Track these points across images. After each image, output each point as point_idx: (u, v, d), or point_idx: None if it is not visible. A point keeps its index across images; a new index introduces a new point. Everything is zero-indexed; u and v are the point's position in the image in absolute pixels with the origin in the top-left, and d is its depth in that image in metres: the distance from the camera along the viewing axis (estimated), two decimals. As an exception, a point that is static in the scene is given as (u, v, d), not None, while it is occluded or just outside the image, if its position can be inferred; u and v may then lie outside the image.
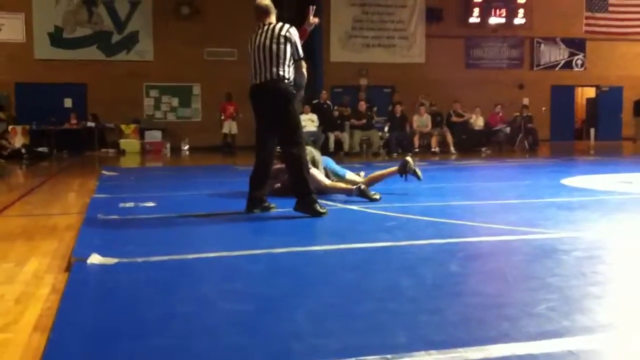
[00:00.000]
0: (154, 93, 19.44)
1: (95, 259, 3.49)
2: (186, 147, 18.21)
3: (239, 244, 4.10)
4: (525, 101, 19.12)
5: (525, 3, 21.52)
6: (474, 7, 21.28)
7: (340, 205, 5.87)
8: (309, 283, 3.18)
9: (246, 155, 15.04)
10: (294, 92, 5.39)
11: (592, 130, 22.36)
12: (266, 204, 5.56)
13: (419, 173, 6.70)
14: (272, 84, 5.32)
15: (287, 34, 5.33)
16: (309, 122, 15.17)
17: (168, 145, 18.07)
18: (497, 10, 21.47)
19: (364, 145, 16.07)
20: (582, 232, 4.37)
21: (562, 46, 22.44)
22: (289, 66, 5.34)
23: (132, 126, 18.20)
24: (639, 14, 22.67)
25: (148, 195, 6.78)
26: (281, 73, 5.30)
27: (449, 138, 15.96)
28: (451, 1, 21.17)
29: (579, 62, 22.62)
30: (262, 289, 3.02)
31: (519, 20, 21.62)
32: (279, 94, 5.31)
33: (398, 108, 16.44)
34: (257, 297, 2.85)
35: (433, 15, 20.91)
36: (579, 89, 23.35)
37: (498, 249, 3.98)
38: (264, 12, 5.51)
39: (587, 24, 22.43)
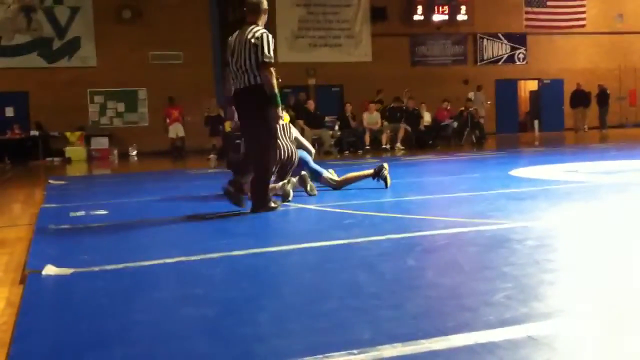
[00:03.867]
0: (98, 99, 19.07)
1: (50, 270, 3.41)
2: (134, 153, 17.93)
3: (197, 248, 4.06)
4: (470, 95, 19.50)
5: (467, 0, 21.97)
6: (417, 5, 21.60)
7: (297, 205, 5.88)
8: (270, 284, 3.18)
9: (196, 159, 14.93)
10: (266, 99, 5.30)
11: (536, 122, 23.01)
12: (241, 196, 5.49)
13: (389, 182, 6.81)
14: (242, 93, 5.36)
15: (254, 40, 5.27)
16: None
17: (115, 152, 17.75)
18: (440, 8, 21.86)
19: (316, 145, 16.11)
20: (533, 221, 4.50)
21: (504, 41, 22.99)
22: (256, 75, 5.28)
23: (78, 133, 17.80)
24: (575, 7, 23.43)
25: (99, 203, 6.65)
26: (251, 82, 5.29)
27: (402, 134, 16.13)
28: (394, 3, 21.43)
29: (521, 56, 23.23)
30: (223, 293, 3.01)
31: (462, 17, 22.05)
32: (250, 101, 5.34)
33: (348, 107, 16.59)
34: (218, 302, 2.83)
35: (377, 14, 21.14)
36: (522, 83, 23.97)
37: (453, 241, 4.06)
38: (250, 10, 5.45)
39: (527, 19, 23.05)
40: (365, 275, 3.20)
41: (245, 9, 5.49)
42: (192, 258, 3.73)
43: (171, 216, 5.55)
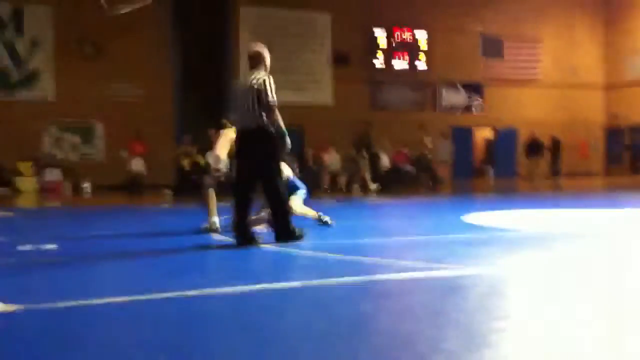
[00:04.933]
0: (54, 131, 18.75)
1: (-7, 306, 3.30)
2: (86, 186, 17.53)
3: (147, 287, 3.99)
4: (427, 142, 19.84)
5: (427, 49, 22.58)
6: (377, 52, 22.10)
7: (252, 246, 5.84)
8: (221, 328, 3.13)
9: (152, 195, 14.74)
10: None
11: (490, 169, 23.52)
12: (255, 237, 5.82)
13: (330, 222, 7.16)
14: (248, 133, 5.80)
15: (257, 85, 5.72)
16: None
17: (68, 185, 17.38)
18: (401, 55, 22.40)
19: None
20: (485, 267, 4.56)
21: (462, 90, 23.61)
22: (261, 116, 5.71)
23: (29, 164, 17.39)
24: (530, 60, 24.27)
25: (48, 237, 6.48)
26: (257, 123, 5.71)
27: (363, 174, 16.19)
28: (357, 46, 21.87)
29: (478, 105, 23.85)
30: (173, 336, 2.95)
31: (421, 64, 22.62)
32: (257, 141, 5.78)
33: (309, 150, 16.85)
34: (167, 346, 2.77)
35: (340, 59, 21.53)
36: (478, 130, 24.55)
37: (407, 286, 4.08)
38: (252, 59, 6.05)
39: (484, 70, 23.74)
40: (319, 319, 3.18)
41: (248, 57, 6.08)
42: (144, 297, 3.65)
43: (123, 252, 5.44)
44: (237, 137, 5.95)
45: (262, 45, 6.14)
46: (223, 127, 7.02)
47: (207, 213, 6.96)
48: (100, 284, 4.26)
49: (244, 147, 5.85)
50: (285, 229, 5.84)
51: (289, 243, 5.73)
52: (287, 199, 6.04)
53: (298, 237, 5.87)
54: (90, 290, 3.93)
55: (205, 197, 6.98)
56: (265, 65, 6.01)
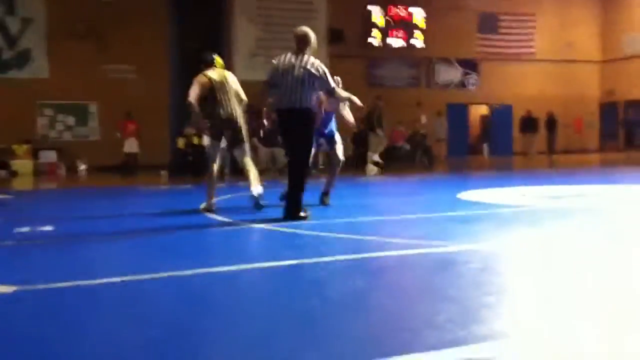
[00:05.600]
0: (48, 112, 18.67)
1: (-9, 288, 3.34)
2: (83, 167, 17.56)
3: (143, 267, 4.02)
4: (423, 119, 19.84)
5: (421, 26, 22.46)
6: (373, 29, 21.99)
7: (248, 225, 5.88)
8: (217, 307, 3.17)
9: (148, 175, 14.75)
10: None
11: (485, 146, 23.54)
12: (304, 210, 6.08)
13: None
14: (292, 112, 6.10)
15: (314, 70, 6.07)
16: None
17: (63, 166, 17.37)
18: (395, 32, 22.30)
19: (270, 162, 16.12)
20: (478, 244, 4.61)
21: (457, 66, 23.53)
22: (307, 99, 6.08)
23: (25, 147, 17.36)
24: (526, 35, 24.18)
25: (45, 218, 6.51)
26: (302, 104, 6.05)
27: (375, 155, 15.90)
28: (352, 23, 21.75)
29: (473, 81, 23.80)
30: (168, 315, 2.98)
31: (417, 41, 22.52)
32: (298, 120, 6.11)
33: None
34: (162, 324, 2.81)
35: (335, 36, 21.40)
36: (473, 107, 24.52)
37: (400, 263, 4.12)
38: (299, 41, 6.21)
39: (479, 45, 23.66)
40: (313, 297, 3.23)
41: (295, 38, 6.25)
42: (139, 277, 3.69)
43: (119, 233, 5.47)
44: (282, 116, 6.16)
45: (307, 28, 6.36)
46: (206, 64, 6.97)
47: (206, 193, 6.98)
48: (95, 265, 4.29)
49: (289, 125, 6.13)
50: (296, 205, 6.03)
51: (293, 221, 5.84)
52: (307, 179, 6.23)
53: (304, 217, 5.99)
54: (86, 271, 3.97)
55: (209, 178, 6.97)
56: (312, 48, 6.25)
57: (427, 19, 22.53)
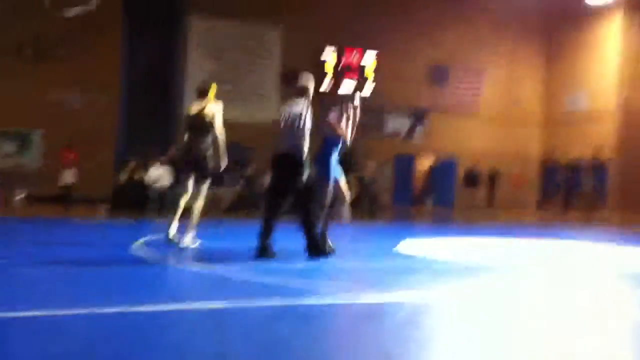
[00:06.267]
0: (-11, 138, 18.13)
1: None
2: (18, 198, 16.89)
3: (66, 301, 3.90)
4: (371, 166, 20.05)
5: (374, 74, 22.89)
6: (325, 75, 22.31)
7: (169, 265, 5.79)
8: (130, 347, 3.09)
9: (83, 208, 14.37)
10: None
11: (430, 197, 23.92)
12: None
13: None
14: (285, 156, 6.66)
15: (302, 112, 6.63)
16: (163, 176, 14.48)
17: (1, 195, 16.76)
18: (349, 77, 22.63)
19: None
20: (407, 296, 4.64)
21: (406, 116, 24.02)
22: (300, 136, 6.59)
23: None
24: (474, 90, 24.91)
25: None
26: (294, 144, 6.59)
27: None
28: (305, 67, 21.93)
29: (420, 132, 24.30)
30: (85, 353, 2.90)
31: (368, 90, 22.91)
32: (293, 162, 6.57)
33: (253, 166, 16.93)
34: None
35: (287, 78, 21.64)
36: (419, 158, 24.95)
37: (327, 311, 4.12)
38: (299, 91, 6.90)
39: (429, 97, 24.23)
40: (235, 343, 3.19)
41: (296, 86, 6.98)
42: (54, 313, 3.58)
43: (46, 265, 5.31)
44: (280, 157, 6.56)
45: (310, 77, 7.10)
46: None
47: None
48: (18, 297, 4.14)
49: (288, 166, 6.51)
50: (313, 242, 6.29)
51: (318, 258, 6.18)
52: (315, 214, 6.49)
53: (325, 254, 6.33)
54: (8, 303, 3.82)
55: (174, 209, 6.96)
56: (310, 96, 6.91)
57: (378, 66, 22.89)
